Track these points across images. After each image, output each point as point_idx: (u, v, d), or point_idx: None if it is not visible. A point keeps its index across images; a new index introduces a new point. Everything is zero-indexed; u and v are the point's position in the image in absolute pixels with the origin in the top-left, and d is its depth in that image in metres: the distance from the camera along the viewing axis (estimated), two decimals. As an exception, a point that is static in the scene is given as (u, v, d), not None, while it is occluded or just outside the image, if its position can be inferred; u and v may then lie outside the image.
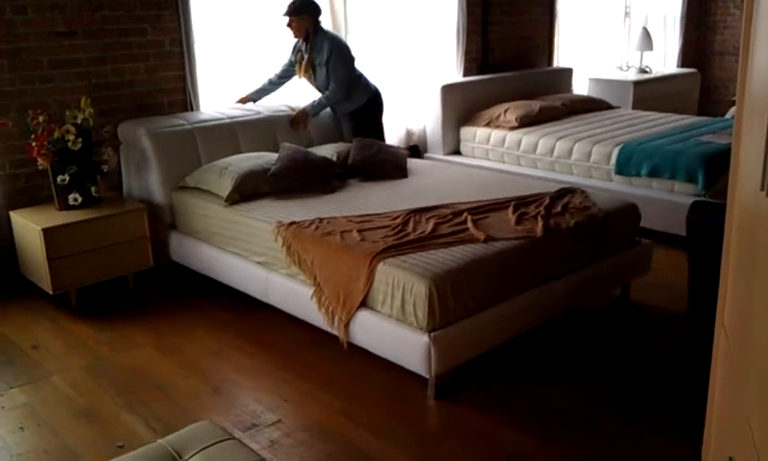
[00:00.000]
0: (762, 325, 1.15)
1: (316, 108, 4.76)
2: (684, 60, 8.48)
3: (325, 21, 5.32)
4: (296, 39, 4.74)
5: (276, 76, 4.88)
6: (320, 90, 4.82)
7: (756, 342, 1.20)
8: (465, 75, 6.25)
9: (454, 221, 3.39)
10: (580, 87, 7.29)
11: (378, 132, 5.02)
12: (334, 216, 3.53)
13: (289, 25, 4.63)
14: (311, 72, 4.76)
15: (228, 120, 4.47)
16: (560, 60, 7.20)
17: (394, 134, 5.70)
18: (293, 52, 4.81)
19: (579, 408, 2.88)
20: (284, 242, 3.40)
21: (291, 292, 3.42)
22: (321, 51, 4.68)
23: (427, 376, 2.91)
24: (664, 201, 4.61)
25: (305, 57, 4.71)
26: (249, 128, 4.51)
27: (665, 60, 8.35)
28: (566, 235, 3.34)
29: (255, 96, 4.85)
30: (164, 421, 2.83)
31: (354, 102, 4.88)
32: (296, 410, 2.92)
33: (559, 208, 3.58)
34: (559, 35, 7.14)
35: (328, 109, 4.90)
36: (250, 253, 3.66)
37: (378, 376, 3.13)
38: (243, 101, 4.82)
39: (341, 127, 4.99)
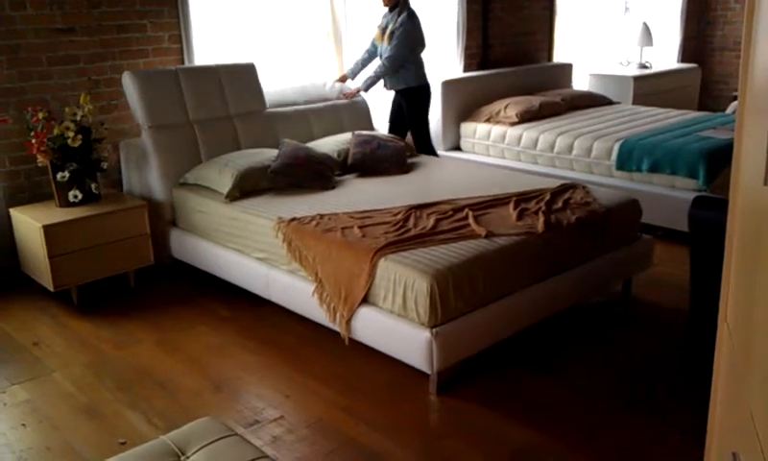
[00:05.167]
0: (766, 319, 1.15)
1: (367, 83, 5.03)
2: (684, 56, 8.47)
3: (325, 13, 5.32)
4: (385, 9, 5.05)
5: (365, 52, 5.20)
6: (381, 58, 5.06)
7: (759, 337, 1.20)
8: (465, 71, 6.25)
9: (455, 217, 3.39)
10: (580, 83, 7.29)
11: (425, 122, 5.22)
12: (335, 212, 3.53)
13: None
14: (382, 40, 5.03)
15: (227, 116, 4.47)
16: (560, 56, 7.20)
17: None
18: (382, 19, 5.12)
19: (581, 404, 2.88)
20: (285, 238, 3.40)
21: (292, 288, 3.42)
22: (395, 23, 4.93)
23: (429, 372, 2.91)
24: (665, 196, 4.61)
25: (387, 25, 5.00)
26: (248, 124, 4.50)
27: (666, 55, 8.34)
28: (567, 231, 3.34)
29: (351, 74, 5.21)
30: (166, 417, 2.83)
31: (402, 81, 5.06)
32: (297, 406, 2.92)
33: (560, 204, 3.57)
34: (559, 30, 7.13)
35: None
36: (250, 249, 3.66)
37: (380, 372, 3.13)
38: (342, 79, 5.18)
39: (402, 108, 5.19)
